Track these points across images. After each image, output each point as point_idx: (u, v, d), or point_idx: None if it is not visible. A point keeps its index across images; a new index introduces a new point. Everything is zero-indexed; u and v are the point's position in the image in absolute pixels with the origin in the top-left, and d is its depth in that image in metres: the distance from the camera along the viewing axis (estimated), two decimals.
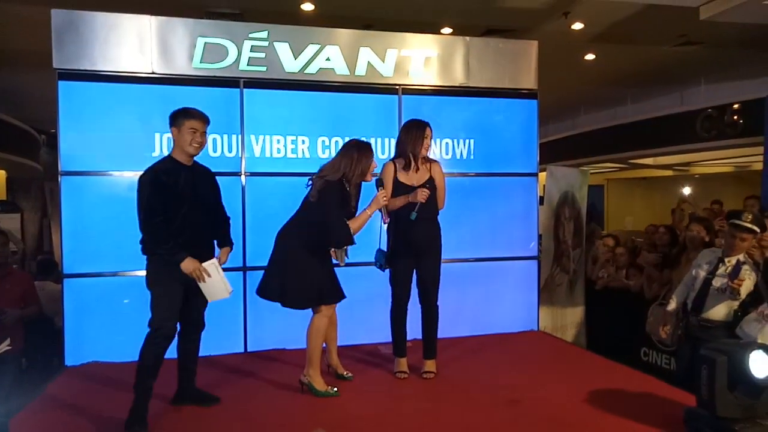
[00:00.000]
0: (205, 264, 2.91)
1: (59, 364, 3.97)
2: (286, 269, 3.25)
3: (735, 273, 3.36)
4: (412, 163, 3.52)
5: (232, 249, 3.28)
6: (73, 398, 3.27)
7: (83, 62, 3.95)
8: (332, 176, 3.22)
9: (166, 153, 3.91)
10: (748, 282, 3.38)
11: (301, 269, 3.24)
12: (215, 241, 3.21)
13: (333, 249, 3.34)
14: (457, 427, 2.92)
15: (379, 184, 3.36)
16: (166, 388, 3.13)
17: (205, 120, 3.04)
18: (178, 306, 2.96)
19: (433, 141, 3.69)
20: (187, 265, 2.87)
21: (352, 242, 3.22)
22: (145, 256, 2.99)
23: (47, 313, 4.61)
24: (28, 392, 3.45)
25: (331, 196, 3.19)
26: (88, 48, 3.96)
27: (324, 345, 3.48)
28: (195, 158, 3.10)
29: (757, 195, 5.55)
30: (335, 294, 3.35)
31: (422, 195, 3.38)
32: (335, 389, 3.33)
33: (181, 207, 2.92)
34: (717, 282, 3.51)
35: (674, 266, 4.93)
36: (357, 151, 3.27)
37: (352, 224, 3.21)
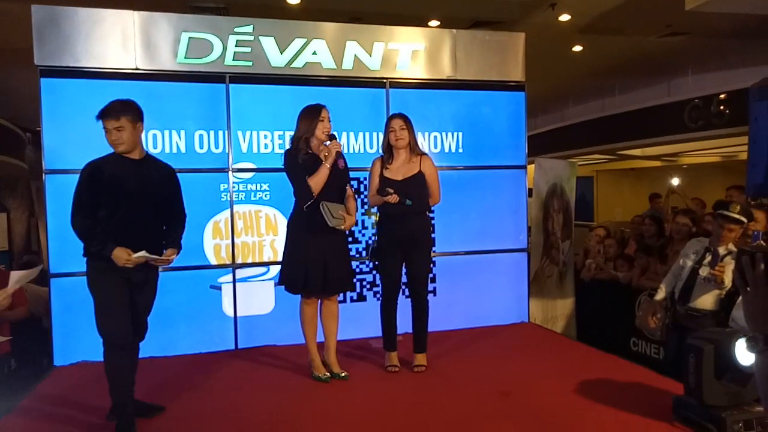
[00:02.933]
0: (135, 255, 2.71)
1: (48, 365, 3.95)
2: (284, 250, 3.47)
3: (714, 261, 3.42)
4: (389, 158, 3.55)
5: (179, 251, 2.97)
6: (62, 398, 3.25)
7: (65, 59, 3.90)
8: (292, 144, 3.41)
9: (151, 149, 3.91)
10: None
11: (291, 251, 3.41)
12: (164, 243, 2.96)
13: (324, 216, 3.30)
14: (449, 420, 2.93)
15: (332, 137, 3.39)
16: (152, 388, 3.12)
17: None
18: (125, 310, 2.79)
19: (421, 134, 3.71)
20: (118, 255, 2.68)
21: (311, 196, 3.27)
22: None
23: (35, 313, 4.57)
24: (17, 393, 3.41)
25: (286, 161, 3.38)
26: (71, 44, 3.91)
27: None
28: (155, 154, 2.99)
29: (741, 185, 5.58)
30: (313, 286, 3.36)
31: (389, 198, 3.39)
32: (327, 375, 3.44)
33: (119, 204, 2.77)
34: (704, 271, 3.54)
35: (661, 258, 4.97)
36: (303, 111, 3.41)
37: (311, 180, 3.28)
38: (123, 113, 2.79)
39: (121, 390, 2.77)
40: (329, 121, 3.37)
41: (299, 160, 3.32)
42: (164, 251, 2.91)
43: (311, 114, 3.36)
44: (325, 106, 3.40)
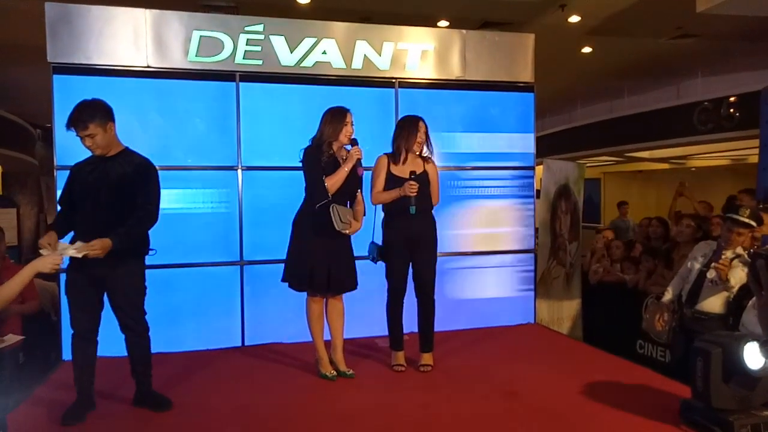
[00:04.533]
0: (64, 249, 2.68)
1: (57, 359, 3.98)
2: (288, 247, 3.47)
3: (716, 259, 3.45)
4: (402, 158, 3.56)
5: (111, 244, 2.70)
6: (70, 393, 3.27)
7: (78, 56, 3.93)
8: (313, 143, 3.40)
9: (161, 147, 3.94)
10: (741, 274, 3.39)
11: (296, 249, 3.42)
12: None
13: (332, 219, 3.31)
14: (454, 420, 2.94)
15: (354, 142, 3.41)
16: (160, 383, 3.14)
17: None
18: (84, 305, 2.92)
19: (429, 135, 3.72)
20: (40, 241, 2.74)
21: (326, 196, 3.28)
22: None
23: (44, 308, 4.60)
24: (26, 387, 3.45)
25: (306, 159, 3.36)
26: (83, 42, 3.94)
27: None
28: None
29: (752, 188, 5.55)
30: (318, 285, 3.39)
31: (410, 189, 3.39)
32: (334, 374, 3.46)
33: (83, 201, 2.89)
34: (711, 274, 3.53)
35: (667, 262, 4.95)
36: (329, 114, 3.40)
37: (329, 180, 3.29)
38: (90, 120, 2.82)
39: (78, 375, 2.95)
40: (352, 126, 3.39)
41: (321, 163, 3.33)
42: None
43: (337, 118, 3.37)
44: (350, 110, 3.41)
